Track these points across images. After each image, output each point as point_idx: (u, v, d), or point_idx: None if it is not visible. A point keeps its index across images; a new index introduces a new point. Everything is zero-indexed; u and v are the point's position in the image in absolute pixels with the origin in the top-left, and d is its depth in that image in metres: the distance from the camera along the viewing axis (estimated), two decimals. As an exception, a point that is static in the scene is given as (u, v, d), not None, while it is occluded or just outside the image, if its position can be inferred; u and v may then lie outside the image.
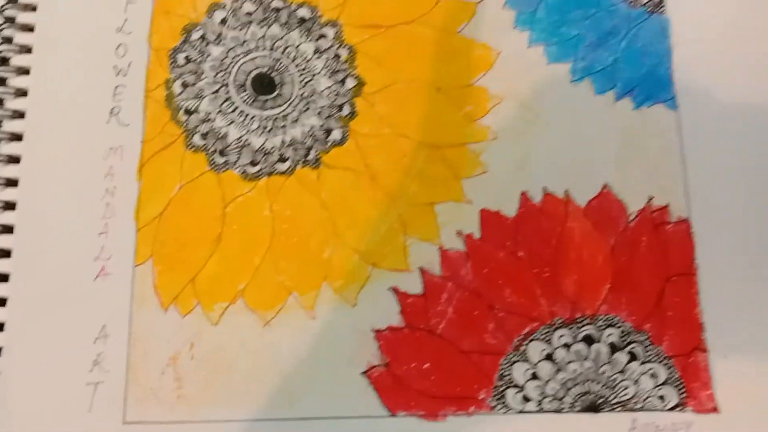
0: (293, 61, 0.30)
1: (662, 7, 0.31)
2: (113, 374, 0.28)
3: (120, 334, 0.28)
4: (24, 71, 0.30)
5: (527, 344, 0.28)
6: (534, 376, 0.28)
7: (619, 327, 0.28)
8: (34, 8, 0.30)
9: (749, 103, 0.30)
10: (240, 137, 0.29)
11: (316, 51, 0.31)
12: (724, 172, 0.30)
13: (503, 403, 0.28)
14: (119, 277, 0.28)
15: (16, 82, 0.30)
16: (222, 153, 0.29)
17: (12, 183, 0.29)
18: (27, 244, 0.28)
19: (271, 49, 0.30)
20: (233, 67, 0.30)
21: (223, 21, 0.31)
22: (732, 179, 0.30)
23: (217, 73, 0.30)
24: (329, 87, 0.30)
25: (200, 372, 0.28)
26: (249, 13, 0.31)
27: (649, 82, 0.31)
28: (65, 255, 0.28)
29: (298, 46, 0.31)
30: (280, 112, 0.30)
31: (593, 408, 0.28)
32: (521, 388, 0.28)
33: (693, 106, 0.30)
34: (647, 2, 0.32)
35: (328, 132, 0.30)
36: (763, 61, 0.31)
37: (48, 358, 0.28)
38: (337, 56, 0.31)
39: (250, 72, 0.30)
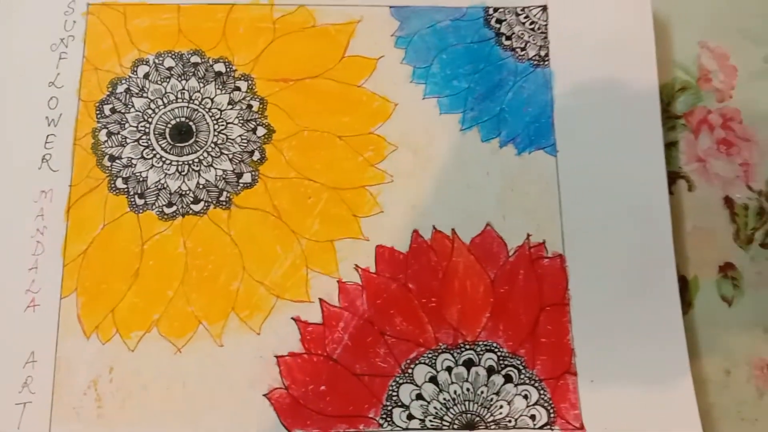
0: (209, 111, 0.35)
1: (546, 61, 0.36)
2: (40, 395, 0.32)
3: (47, 359, 0.32)
4: (-36, 122, 0.34)
5: (414, 367, 0.33)
6: (419, 397, 0.32)
7: (496, 352, 0.33)
8: (-25, 64, 0.35)
9: (620, 151, 0.35)
10: (158, 180, 0.34)
11: (230, 102, 0.35)
12: (596, 212, 0.34)
13: (390, 421, 0.32)
14: (47, 308, 0.33)
15: (-42, 131, 0.34)
16: (141, 195, 0.34)
17: (-48, 223, 0.33)
18: (-36, 278, 0.33)
19: (189, 100, 0.35)
20: (154, 117, 0.35)
21: (146, 75, 0.35)
22: (603, 219, 0.34)
23: (139, 123, 0.35)
24: (241, 135, 0.35)
25: (118, 393, 0.32)
26: (170, 68, 0.35)
27: (531, 130, 0.35)
28: (-1, 288, 0.33)
29: (214, 97, 0.35)
30: (196, 158, 0.34)
31: (470, 426, 0.32)
32: (407, 408, 0.32)
33: (570, 152, 0.35)
34: (533, 56, 0.36)
35: (240, 176, 0.34)
36: (634, 113, 0.35)
37: (-19, 380, 0.32)
38: (249, 107, 0.35)
39: (169, 121, 0.35)
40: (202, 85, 0.35)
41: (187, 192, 0.34)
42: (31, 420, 0.32)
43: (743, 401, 0.34)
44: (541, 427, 0.32)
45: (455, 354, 0.33)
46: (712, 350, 0.34)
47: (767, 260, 0.36)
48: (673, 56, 0.38)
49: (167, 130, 0.35)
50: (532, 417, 0.32)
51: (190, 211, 0.34)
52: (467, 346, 0.33)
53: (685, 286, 0.35)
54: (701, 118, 0.37)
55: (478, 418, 0.32)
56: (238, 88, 0.36)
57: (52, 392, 0.32)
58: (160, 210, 0.34)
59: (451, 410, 0.32)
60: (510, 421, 0.32)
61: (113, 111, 0.35)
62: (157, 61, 0.36)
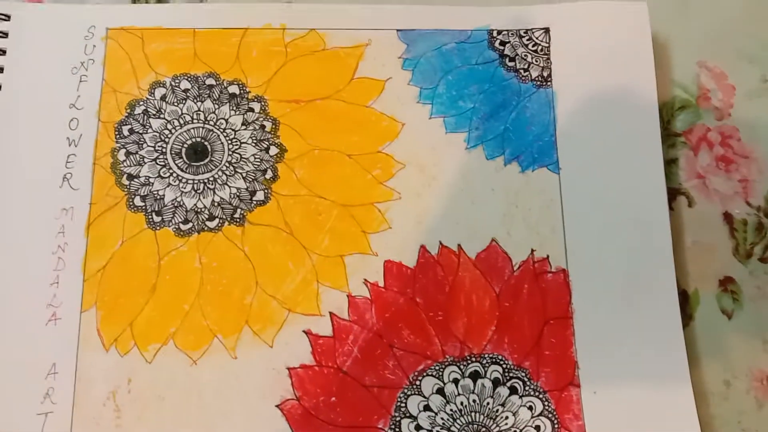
0: (223, 131, 0.36)
1: (549, 81, 0.38)
2: (61, 406, 0.33)
3: (68, 371, 0.34)
4: (-10, 142, 0.36)
5: (422, 379, 0.34)
6: (426, 408, 0.33)
7: (502, 364, 0.34)
8: (-1, 87, 0.37)
9: (622, 168, 0.36)
10: (175, 198, 0.35)
11: (244, 123, 0.37)
12: (598, 227, 0.36)
13: (399, 431, 0.33)
14: (68, 321, 0.34)
15: (-17, 151, 0.36)
16: (158, 213, 0.35)
17: (-23, 239, 0.35)
18: (-12, 293, 0.34)
19: (205, 121, 0.37)
20: (171, 137, 0.36)
21: (163, 97, 0.37)
22: (605, 234, 0.36)
23: (156, 143, 0.36)
24: (255, 154, 0.36)
25: (136, 404, 0.33)
26: (186, 90, 0.37)
27: (534, 149, 0.37)
28: (21, 302, 0.34)
29: (228, 118, 0.37)
30: (211, 176, 0.36)
31: (476, 436, 0.33)
32: (414, 419, 0.33)
33: (573, 169, 0.36)
34: (536, 77, 0.38)
35: (253, 193, 0.36)
36: (634, 131, 0.37)
37: (4, 391, 0.33)
38: (262, 127, 0.37)
39: (186, 141, 0.36)
40: (217, 106, 0.37)
41: (203, 209, 0.36)
42: (52, 430, 0.33)
43: (743, 412, 0.35)
44: (545, 437, 0.33)
45: (462, 366, 0.34)
46: (712, 362, 0.35)
47: (766, 274, 0.37)
48: (673, 76, 0.40)
49: (183, 150, 0.36)
50: (537, 428, 0.33)
51: (206, 228, 0.35)
52: (473, 359, 0.34)
53: (685, 300, 0.36)
54: (700, 136, 0.39)
55: (484, 429, 0.33)
56: (251, 109, 0.37)
57: (72, 403, 0.33)
58: (177, 227, 0.35)
59: (458, 421, 0.33)
60: (515, 432, 0.33)
61: (131, 131, 0.36)
62: (173, 83, 0.37)
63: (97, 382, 0.33)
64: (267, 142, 0.37)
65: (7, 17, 0.38)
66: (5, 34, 0.37)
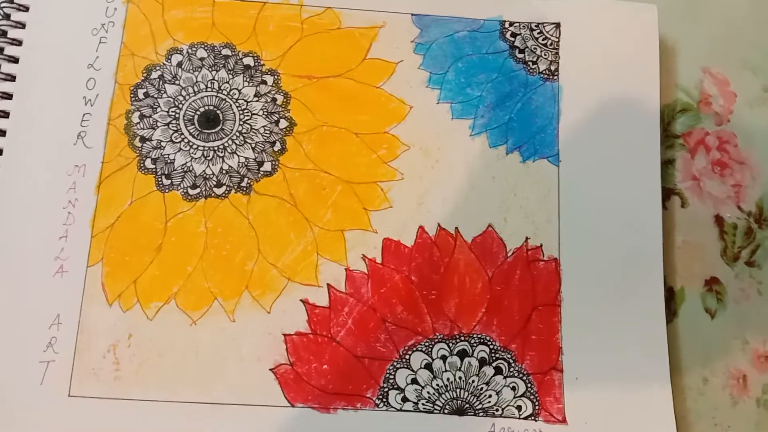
0: (236, 101, 0.38)
1: (556, 75, 0.39)
2: (63, 355, 0.35)
3: (71, 322, 0.35)
4: (7, 96, 0.37)
5: (411, 354, 0.36)
6: (414, 381, 0.35)
7: (489, 345, 0.36)
8: (20, 43, 0.38)
9: (620, 165, 0.38)
10: (185, 163, 0.37)
11: (256, 94, 0.38)
12: (592, 220, 0.37)
13: (386, 402, 0.35)
14: (74, 275, 0.36)
15: (0, 105, 0.37)
16: (168, 176, 0.37)
17: (-9, 189, 0.36)
18: (-1, 242, 0.36)
19: (218, 90, 0.38)
20: (184, 103, 0.38)
21: (179, 64, 0.38)
22: (598, 227, 0.37)
23: (170, 108, 0.38)
24: (265, 126, 0.38)
25: (135, 359, 0.35)
26: (201, 59, 0.38)
27: (536, 140, 0.38)
28: (30, 254, 0.36)
29: (241, 89, 0.38)
30: (221, 144, 0.37)
31: (460, 412, 0.35)
32: (402, 391, 0.35)
33: (572, 162, 0.38)
34: (544, 70, 0.39)
35: (261, 164, 0.37)
36: (635, 130, 0.38)
37: (10, 337, 0.35)
38: (274, 100, 0.38)
39: (198, 109, 0.38)
40: (231, 76, 0.39)
41: (211, 176, 0.37)
42: (53, 378, 0.35)
43: (718, 408, 0.37)
44: (525, 418, 0.35)
45: (450, 344, 0.36)
46: (692, 358, 0.37)
47: (751, 278, 0.38)
48: (677, 79, 0.41)
49: (196, 117, 0.38)
50: (518, 408, 0.35)
51: (213, 194, 0.37)
52: (462, 338, 0.36)
53: (671, 296, 0.38)
54: (699, 139, 0.40)
55: (467, 405, 0.35)
56: (264, 82, 0.39)
57: (74, 353, 0.35)
58: (185, 191, 0.37)
59: (443, 396, 0.35)
60: (497, 410, 0.35)
61: (146, 95, 0.38)
62: (190, 51, 0.39)
63: (99, 334, 0.35)
64: (277, 115, 0.38)
65: (32, -25, 0.39)
66: (29, -9, 0.39)
